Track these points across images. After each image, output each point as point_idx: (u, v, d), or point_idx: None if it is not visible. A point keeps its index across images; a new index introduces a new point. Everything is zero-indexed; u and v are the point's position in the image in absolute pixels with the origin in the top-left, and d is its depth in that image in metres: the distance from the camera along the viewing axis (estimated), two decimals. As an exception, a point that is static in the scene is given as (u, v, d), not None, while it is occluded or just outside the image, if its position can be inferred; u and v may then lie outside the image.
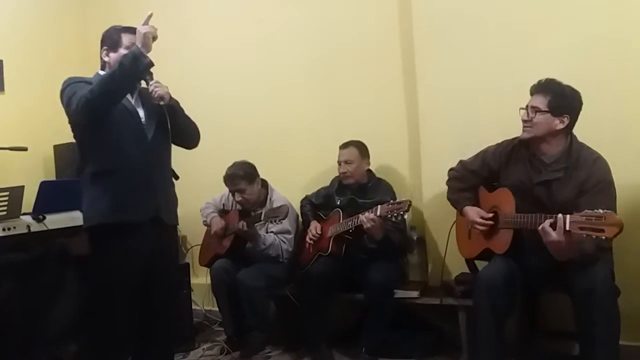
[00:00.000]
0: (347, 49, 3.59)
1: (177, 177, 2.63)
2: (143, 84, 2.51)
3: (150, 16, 2.27)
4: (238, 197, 3.42)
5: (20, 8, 4.03)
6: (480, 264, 2.80)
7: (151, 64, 2.28)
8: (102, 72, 2.51)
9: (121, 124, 2.38)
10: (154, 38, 2.27)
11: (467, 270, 2.95)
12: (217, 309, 3.58)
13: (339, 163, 3.27)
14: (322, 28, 3.66)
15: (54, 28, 4.24)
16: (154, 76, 2.43)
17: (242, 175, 3.39)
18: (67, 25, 4.34)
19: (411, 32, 3.34)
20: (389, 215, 2.81)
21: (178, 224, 2.67)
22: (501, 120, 2.90)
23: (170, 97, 2.41)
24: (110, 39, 2.49)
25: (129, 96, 2.48)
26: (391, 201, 2.86)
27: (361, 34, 3.54)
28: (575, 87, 2.57)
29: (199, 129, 2.63)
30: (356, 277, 3.08)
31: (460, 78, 3.19)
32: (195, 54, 4.11)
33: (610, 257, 2.53)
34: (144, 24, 2.27)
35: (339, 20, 3.60)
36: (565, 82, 2.58)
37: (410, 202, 2.82)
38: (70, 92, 2.35)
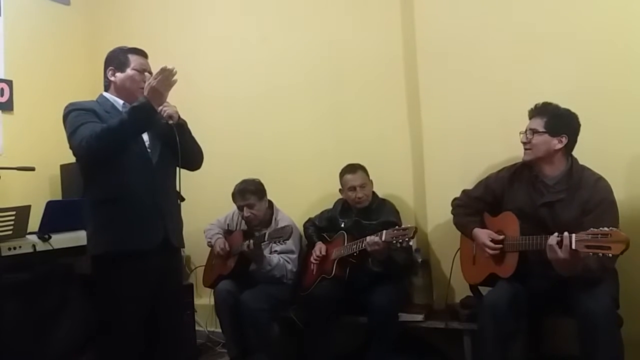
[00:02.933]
0: (351, 73, 3.61)
1: (182, 199, 2.60)
2: None
3: (163, 70, 2.31)
4: (247, 213, 3.42)
5: (31, 29, 4.09)
6: (485, 290, 2.79)
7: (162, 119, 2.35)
8: (106, 94, 2.51)
9: (125, 151, 2.36)
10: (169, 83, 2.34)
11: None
12: (220, 330, 3.55)
13: (354, 188, 3.22)
14: (326, 53, 3.69)
15: (63, 49, 4.29)
16: None
17: (252, 190, 3.41)
18: (76, 47, 4.39)
19: (415, 59, 3.36)
20: (394, 241, 2.79)
21: (184, 247, 2.66)
22: (505, 144, 2.93)
23: (179, 116, 2.42)
24: (117, 60, 2.49)
25: None
26: (396, 227, 2.84)
27: (365, 60, 3.56)
28: (578, 109, 2.62)
29: (204, 150, 2.64)
30: (360, 299, 3.06)
31: (464, 103, 3.21)
32: (199, 73, 4.12)
33: (616, 282, 2.53)
34: (155, 78, 2.31)
35: (344, 45, 3.63)
36: (568, 104, 2.63)
37: (416, 228, 2.81)
38: (74, 122, 2.34)
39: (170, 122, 2.38)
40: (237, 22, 4.03)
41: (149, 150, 2.45)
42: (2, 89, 3.83)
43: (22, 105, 3.90)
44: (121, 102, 2.48)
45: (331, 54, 3.68)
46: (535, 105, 2.66)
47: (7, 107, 3.85)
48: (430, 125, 3.32)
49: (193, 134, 2.57)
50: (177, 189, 2.52)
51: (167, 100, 2.40)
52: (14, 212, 2.86)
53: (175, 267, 2.63)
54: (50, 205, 3.15)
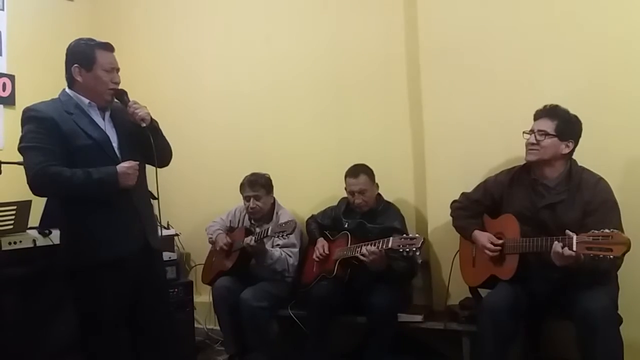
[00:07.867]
0: (353, 72, 3.61)
1: (155, 198, 2.51)
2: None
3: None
4: (253, 204, 3.44)
5: (34, 24, 4.08)
6: (484, 292, 2.80)
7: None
8: (69, 91, 2.37)
9: (91, 161, 2.26)
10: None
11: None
12: (219, 327, 3.56)
13: (352, 193, 3.21)
14: (329, 51, 3.69)
15: (66, 45, 4.24)
16: (130, 95, 2.39)
17: (262, 183, 3.46)
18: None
19: (417, 59, 3.36)
20: (401, 249, 2.77)
21: (161, 247, 2.60)
22: (505, 145, 2.93)
23: (151, 118, 2.34)
24: (84, 56, 2.33)
25: (99, 120, 2.36)
26: (404, 235, 2.83)
27: (368, 59, 3.56)
28: (579, 110, 2.63)
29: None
30: (359, 299, 3.06)
31: (466, 103, 3.21)
32: (202, 70, 4.14)
33: (615, 283, 2.53)
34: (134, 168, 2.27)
35: (346, 44, 3.63)
36: (569, 105, 2.64)
37: (424, 239, 2.79)
38: (28, 139, 2.25)
39: (144, 125, 2.30)
40: (241, 19, 4.02)
41: (117, 151, 2.35)
42: (5, 83, 3.83)
43: (24, 100, 3.83)
44: (87, 101, 2.35)
45: (333, 53, 3.68)
46: (545, 106, 2.64)
47: (9, 101, 3.85)
48: (431, 125, 3.32)
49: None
50: (154, 187, 2.46)
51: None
52: (14, 207, 2.86)
53: (156, 270, 2.53)
54: (51, 201, 3.15)
